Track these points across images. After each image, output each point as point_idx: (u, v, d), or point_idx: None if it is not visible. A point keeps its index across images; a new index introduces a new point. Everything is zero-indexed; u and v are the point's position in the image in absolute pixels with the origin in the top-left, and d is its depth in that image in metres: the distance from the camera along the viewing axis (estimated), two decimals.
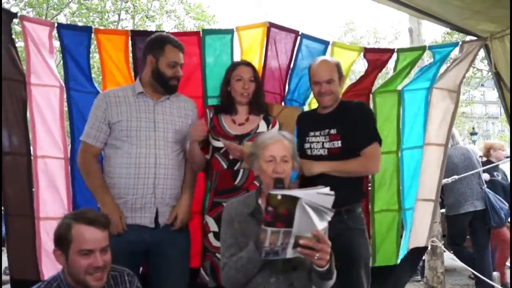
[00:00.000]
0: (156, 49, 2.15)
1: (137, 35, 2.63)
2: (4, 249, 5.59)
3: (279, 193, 1.44)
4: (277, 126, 2.40)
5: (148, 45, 2.19)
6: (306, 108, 2.83)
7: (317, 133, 2.27)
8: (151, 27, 14.99)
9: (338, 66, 2.30)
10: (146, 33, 2.78)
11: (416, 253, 3.00)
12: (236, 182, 2.21)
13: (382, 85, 2.93)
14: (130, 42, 2.62)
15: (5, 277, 4.80)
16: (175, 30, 15.35)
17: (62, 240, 1.54)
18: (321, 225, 1.49)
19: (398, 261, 2.95)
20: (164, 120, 2.16)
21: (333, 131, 2.23)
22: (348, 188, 2.15)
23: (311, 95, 2.73)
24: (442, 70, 2.95)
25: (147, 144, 2.09)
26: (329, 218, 1.50)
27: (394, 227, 2.93)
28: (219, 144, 2.26)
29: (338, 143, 2.21)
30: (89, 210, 1.69)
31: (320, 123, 2.28)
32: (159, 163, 2.08)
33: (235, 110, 2.35)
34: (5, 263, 5.06)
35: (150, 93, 2.18)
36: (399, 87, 2.96)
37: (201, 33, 2.68)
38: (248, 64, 2.38)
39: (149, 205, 2.08)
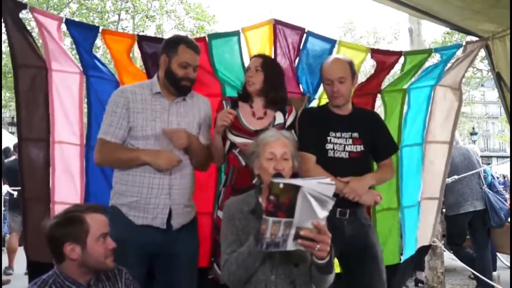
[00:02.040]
0: (170, 49, 2.10)
1: (143, 40, 2.62)
2: (4, 249, 5.59)
3: (281, 181, 1.43)
4: (293, 113, 2.38)
5: (163, 45, 2.16)
6: (315, 102, 2.80)
7: (339, 135, 2.24)
8: (151, 27, 15.02)
9: (351, 64, 2.29)
10: (153, 39, 2.79)
11: (420, 251, 3.01)
12: (254, 181, 2.19)
13: (390, 84, 2.93)
14: (136, 46, 2.61)
15: (5, 277, 4.81)
16: (175, 30, 15.37)
17: (77, 232, 1.59)
18: (323, 213, 1.47)
19: (402, 259, 2.95)
20: (178, 122, 2.12)
21: (355, 135, 2.24)
22: None
23: (320, 90, 2.74)
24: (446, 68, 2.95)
25: (162, 145, 2.05)
26: (330, 207, 1.48)
27: (395, 226, 2.93)
28: (237, 139, 2.24)
29: (360, 147, 2.23)
30: (77, 205, 1.87)
31: (341, 124, 2.26)
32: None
33: (250, 99, 2.35)
34: (5, 263, 5.07)
35: (166, 94, 2.14)
36: (405, 86, 2.96)
37: (207, 38, 2.65)
38: (259, 55, 2.38)
39: (162, 206, 2.04)
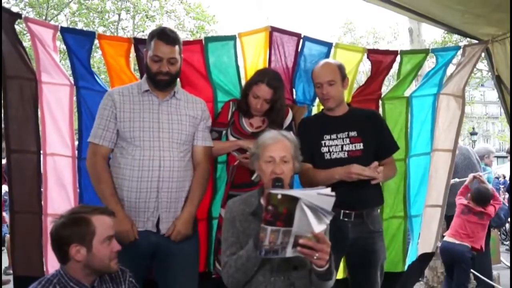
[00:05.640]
0: (148, 44, 2.09)
1: (140, 43, 2.60)
2: (4, 249, 5.55)
3: (279, 192, 1.43)
4: (290, 115, 2.44)
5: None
6: (315, 108, 2.81)
7: (334, 136, 2.24)
8: (151, 27, 14.97)
9: (340, 67, 2.30)
10: None
11: (424, 259, 2.98)
12: (253, 178, 2.22)
13: (390, 91, 2.91)
14: (133, 49, 2.60)
15: (5, 277, 4.81)
16: (175, 30, 15.35)
17: (83, 234, 1.58)
18: (319, 227, 1.47)
19: (405, 267, 2.93)
20: (169, 120, 2.08)
21: (353, 134, 2.23)
22: (370, 192, 2.18)
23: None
24: (447, 74, 2.93)
25: (151, 146, 2.02)
26: (327, 221, 1.48)
27: (400, 234, 2.91)
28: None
29: (360, 145, 2.22)
30: (83, 206, 1.84)
31: (335, 126, 2.26)
32: (163, 165, 2.01)
33: (250, 115, 2.39)
34: (5, 263, 5.06)
35: (156, 92, 2.11)
36: (407, 93, 2.94)
37: (203, 41, 2.65)
38: (271, 85, 2.30)
39: (151, 209, 2.02)
